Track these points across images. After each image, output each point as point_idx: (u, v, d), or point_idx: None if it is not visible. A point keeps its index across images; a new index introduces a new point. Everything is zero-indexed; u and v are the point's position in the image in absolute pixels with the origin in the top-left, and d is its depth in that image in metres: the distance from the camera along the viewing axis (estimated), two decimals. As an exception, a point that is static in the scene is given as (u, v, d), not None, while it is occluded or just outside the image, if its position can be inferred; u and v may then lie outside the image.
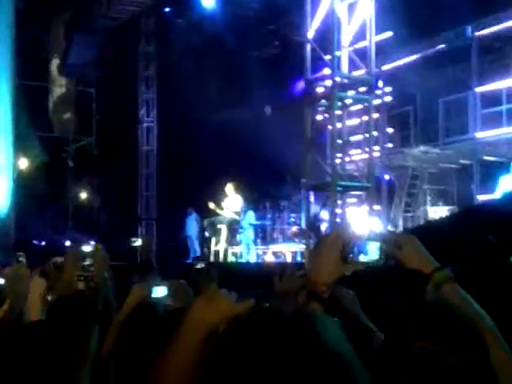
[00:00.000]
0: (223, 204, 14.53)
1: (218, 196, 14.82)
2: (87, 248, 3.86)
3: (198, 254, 16.44)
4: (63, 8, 19.64)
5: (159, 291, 3.20)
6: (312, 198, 13.95)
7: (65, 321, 3.04)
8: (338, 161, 12.18)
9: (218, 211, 14.43)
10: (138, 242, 18.48)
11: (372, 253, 1.88)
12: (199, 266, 3.96)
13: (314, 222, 13.48)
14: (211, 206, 14.31)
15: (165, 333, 2.51)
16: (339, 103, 11.95)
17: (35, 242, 18.82)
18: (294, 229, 17.15)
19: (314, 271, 1.86)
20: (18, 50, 17.38)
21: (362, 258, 1.87)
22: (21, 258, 6.39)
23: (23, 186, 18.31)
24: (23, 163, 19.94)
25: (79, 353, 2.91)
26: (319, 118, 14.40)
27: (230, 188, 14.59)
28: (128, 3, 18.12)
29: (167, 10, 17.61)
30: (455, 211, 15.25)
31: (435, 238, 10.17)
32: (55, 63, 20.78)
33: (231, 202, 14.50)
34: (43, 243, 18.65)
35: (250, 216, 15.30)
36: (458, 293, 1.84)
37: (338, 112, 12.11)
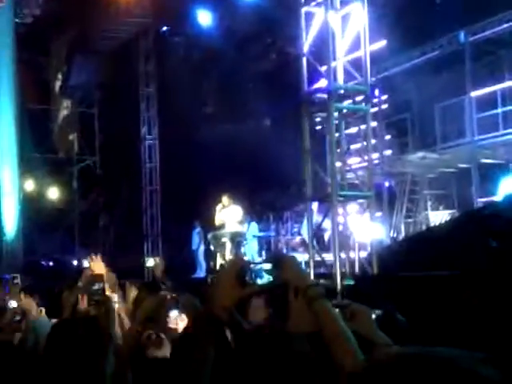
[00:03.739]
0: (223, 216, 14.69)
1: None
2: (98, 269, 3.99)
3: (204, 268, 16.61)
4: (63, 30, 19.93)
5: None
6: (315, 208, 14.10)
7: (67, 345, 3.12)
8: (337, 170, 12.33)
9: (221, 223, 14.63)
10: (151, 262, 18.59)
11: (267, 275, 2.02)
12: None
13: (317, 232, 13.63)
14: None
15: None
16: (336, 113, 12.09)
17: (43, 262, 19.03)
18: (298, 239, 17.32)
19: (215, 295, 1.98)
20: (20, 73, 17.65)
21: (259, 281, 2.02)
22: (16, 280, 6.50)
23: (30, 208, 18.55)
24: (29, 185, 20.20)
25: (94, 379, 3.01)
26: (318, 128, 14.59)
27: (226, 199, 14.74)
28: (126, 24, 18.37)
29: (164, 28, 17.85)
30: (455, 215, 15.38)
31: (437, 244, 10.33)
32: (57, 85, 21.06)
33: (231, 213, 14.67)
34: (51, 263, 18.86)
35: (254, 228, 15.49)
36: (327, 309, 1.94)
37: (336, 122, 12.26)
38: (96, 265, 4.20)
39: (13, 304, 5.07)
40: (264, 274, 2.09)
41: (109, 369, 3.00)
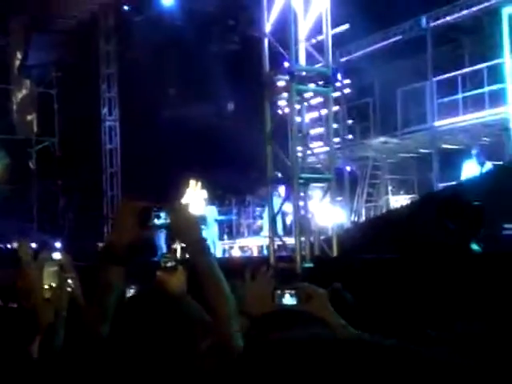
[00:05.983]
0: (188, 199, 14.63)
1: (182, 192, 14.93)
2: (56, 255, 3.92)
3: (165, 250, 16.50)
4: (21, 9, 19.51)
5: None
6: (282, 192, 14.12)
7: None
8: (299, 154, 12.32)
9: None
10: None
11: (163, 218, 2.09)
12: (169, 263, 4.02)
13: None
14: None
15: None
16: (298, 97, 12.06)
17: (1, 245, 18.72)
18: (260, 223, 17.31)
19: (114, 235, 2.09)
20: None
21: (157, 222, 2.10)
22: None
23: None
24: (-11, 167, 19.85)
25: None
26: (280, 112, 14.54)
27: (193, 184, 14.72)
28: (86, 2, 18.06)
29: (126, 8, 17.59)
30: (415, 199, 15.52)
31: (396, 226, 10.39)
32: (15, 65, 20.66)
33: (195, 197, 14.63)
34: (9, 246, 18.56)
35: (213, 211, 15.44)
36: (207, 264, 1.99)
37: (298, 106, 12.23)
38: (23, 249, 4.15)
39: None
40: (162, 215, 2.14)
41: (58, 343, 3.03)
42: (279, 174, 12.41)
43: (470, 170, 13.38)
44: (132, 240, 2.09)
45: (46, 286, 3.35)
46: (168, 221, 2.07)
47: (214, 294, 1.93)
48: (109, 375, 1.86)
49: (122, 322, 1.93)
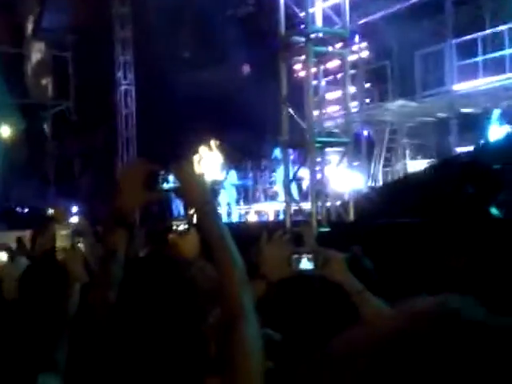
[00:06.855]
0: (204, 162, 14.58)
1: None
2: (73, 219, 3.91)
3: (182, 214, 16.52)
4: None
5: None
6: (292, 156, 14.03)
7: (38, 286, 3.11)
8: (315, 117, 12.18)
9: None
10: None
11: (172, 182, 2.00)
12: (181, 227, 3.97)
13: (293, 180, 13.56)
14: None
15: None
16: (314, 59, 11.88)
17: (18, 209, 18.86)
18: (276, 188, 17.24)
19: (120, 198, 1.99)
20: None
21: (166, 186, 2.00)
22: None
23: (5, 154, 18.29)
24: (5, 131, 19.82)
25: (58, 317, 2.98)
26: (296, 75, 14.40)
27: (209, 148, 14.65)
28: (100, -36, 17.85)
29: (140, -30, 17.42)
30: (433, 163, 15.35)
31: (414, 191, 10.28)
32: (29, 28, 20.53)
33: (211, 162, 14.57)
34: (26, 210, 18.69)
35: (232, 175, 15.39)
36: (214, 225, 1.90)
37: (314, 70, 12.04)
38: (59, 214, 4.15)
39: None
40: (171, 178, 2.05)
41: (72, 309, 3.01)
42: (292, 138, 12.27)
43: (497, 132, 13.18)
44: (139, 204, 2.03)
45: (60, 249, 3.33)
46: (177, 184, 1.98)
47: (221, 258, 1.82)
48: (112, 344, 1.80)
49: (127, 286, 1.87)
